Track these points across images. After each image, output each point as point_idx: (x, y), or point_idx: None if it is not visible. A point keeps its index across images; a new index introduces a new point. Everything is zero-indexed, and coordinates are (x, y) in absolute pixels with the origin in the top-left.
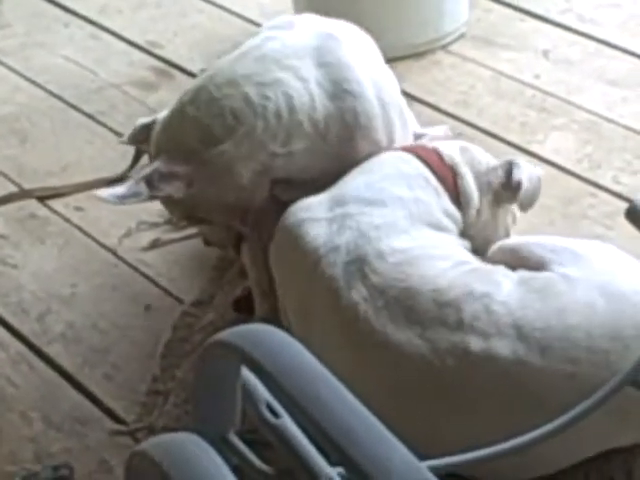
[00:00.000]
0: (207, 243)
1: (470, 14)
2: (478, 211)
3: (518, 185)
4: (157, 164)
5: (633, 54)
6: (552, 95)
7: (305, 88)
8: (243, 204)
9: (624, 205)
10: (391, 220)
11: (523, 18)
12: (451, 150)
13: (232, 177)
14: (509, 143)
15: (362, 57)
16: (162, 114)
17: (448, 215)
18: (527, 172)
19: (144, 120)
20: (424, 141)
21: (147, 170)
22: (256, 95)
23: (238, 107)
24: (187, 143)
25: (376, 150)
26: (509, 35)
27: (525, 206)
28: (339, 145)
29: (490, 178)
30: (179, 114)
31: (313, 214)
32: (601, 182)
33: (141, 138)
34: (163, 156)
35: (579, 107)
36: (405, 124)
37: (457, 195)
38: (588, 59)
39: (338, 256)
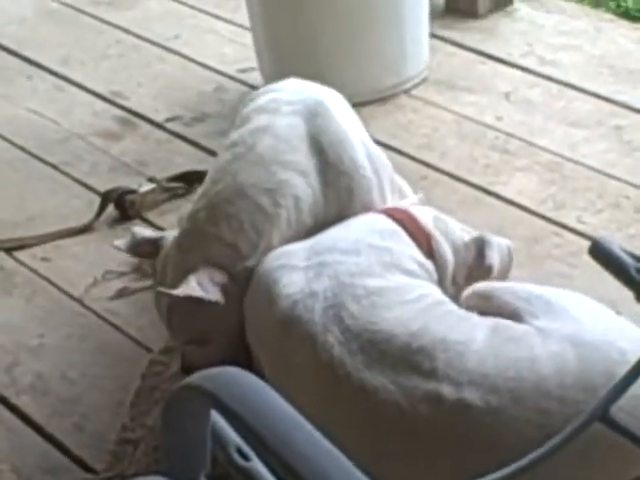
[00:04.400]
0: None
1: (432, 58)
2: (454, 280)
3: (490, 269)
4: (201, 270)
5: (594, 95)
6: (515, 137)
7: (307, 184)
8: None
9: (588, 244)
10: (365, 266)
11: (484, 61)
12: (426, 217)
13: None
14: (473, 185)
15: (350, 127)
16: (170, 233)
17: (420, 265)
18: (498, 249)
19: (145, 233)
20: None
21: (194, 274)
22: (269, 204)
23: (257, 219)
24: (215, 261)
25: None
26: (471, 78)
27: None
28: (335, 220)
29: (465, 255)
30: (199, 233)
31: (289, 261)
32: (565, 222)
33: (143, 252)
34: (200, 269)
35: (542, 148)
36: (393, 185)
37: (432, 255)
38: (550, 101)
39: (316, 302)
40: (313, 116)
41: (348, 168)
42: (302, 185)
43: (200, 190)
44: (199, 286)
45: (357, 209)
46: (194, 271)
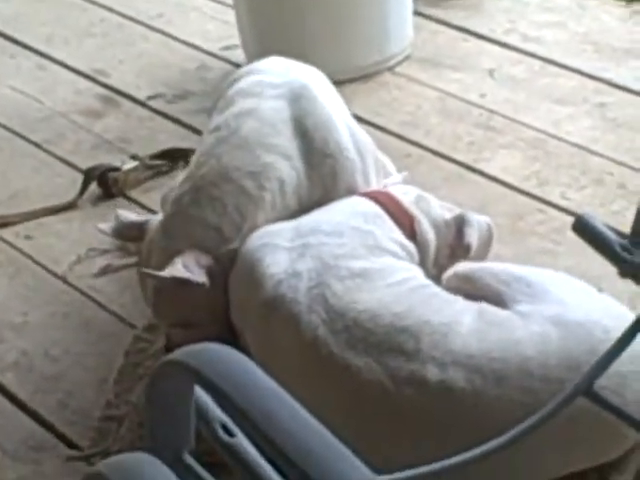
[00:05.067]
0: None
1: (415, 36)
2: (436, 260)
3: (468, 247)
4: (187, 253)
5: (577, 71)
6: (498, 114)
7: (292, 166)
8: None
9: (572, 220)
10: (349, 248)
11: (468, 39)
12: (408, 197)
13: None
14: (457, 162)
15: (335, 109)
16: (154, 217)
17: (404, 248)
18: (477, 227)
19: (130, 217)
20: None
21: (180, 257)
22: (254, 187)
23: (241, 202)
24: (199, 244)
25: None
26: (454, 56)
27: (477, 260)
28: (319, 203)
29: (446, 233)
30: (183, 217)
31: (272, 240)
32: (549, 198)
33: (129, 235)
34: (186, 252)
35: (526, 125)
36: (377, 166)
37: (414, 237)
38: (533, 78)
39: (300, 281)
40: (297, 99)
41: (333, 151)
42: (286, 168)
43: (184, 173)
44: (185, 268)
45: (341, 192)
46: (180, 254)
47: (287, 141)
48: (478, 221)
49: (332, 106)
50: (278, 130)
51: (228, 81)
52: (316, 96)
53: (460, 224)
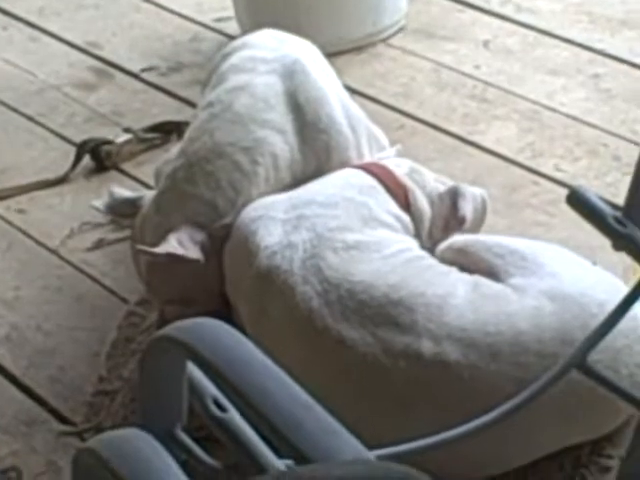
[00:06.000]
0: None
1: (409, 7)
2: (430, 233)
3: (462, 220)
4: (181, 229)
5: (572, 42)
6: (493, 85)
7: (285, 141)
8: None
9: (566, 192)
10: (344, 220)
11: (462, 9)
12: (401, 169)
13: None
14: (451, 134)
15: (327, 84)
16: (148, 193)
17: (398, 219)
18: (472, 200)
19: (124, 193)
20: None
21: (174, 233)
22: (247, 162)
23: (234, 177)
24: (193, 220)
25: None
26: (449, 27)
27: (471, 232)
28: (313, 178)
29: (440, 206)
30: (177, 193)
31: (267, 212)
32: (543, 170)
33: (122, 212)
34: (180, 228)
35: (520, 97)
36: (370, 139)
37: (409, 208)
38: (528, 49)
39: (295, 253)
40: (290, 74)
41: (326, 126)
42: (280, 143)
43: (178, 148)
44: (179, 244)
45: (335, 166)
46: (173, 230)
47: (280, 116)
48: (472, 193)
49: (325, 80)
50: (271, 105)
51: (220, 54)
52: (309, 71)
53: (454, 197)
